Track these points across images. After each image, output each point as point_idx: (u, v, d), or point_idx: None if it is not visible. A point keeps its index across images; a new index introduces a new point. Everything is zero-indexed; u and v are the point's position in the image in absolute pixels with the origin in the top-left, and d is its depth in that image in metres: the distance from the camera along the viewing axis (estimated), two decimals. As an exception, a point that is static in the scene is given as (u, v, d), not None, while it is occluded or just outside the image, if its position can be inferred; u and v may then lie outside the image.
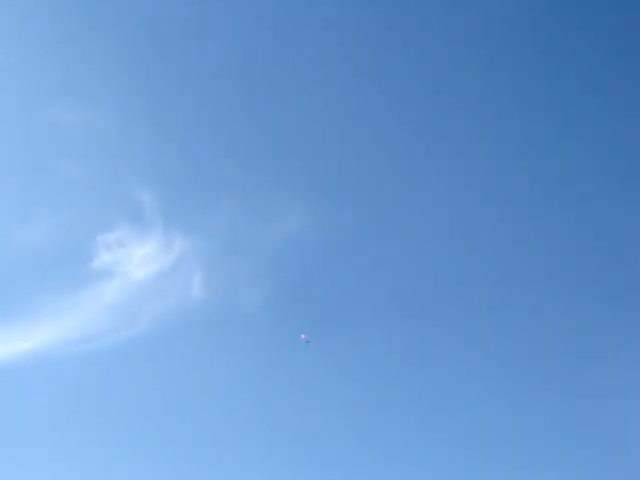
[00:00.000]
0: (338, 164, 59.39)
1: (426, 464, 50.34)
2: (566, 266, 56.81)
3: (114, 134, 56.99)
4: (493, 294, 56.81)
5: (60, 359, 51.85)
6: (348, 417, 52.84)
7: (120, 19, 57.79)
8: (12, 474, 49.53)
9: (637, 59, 58.49)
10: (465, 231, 58.09)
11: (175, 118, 59.04)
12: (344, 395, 53.86)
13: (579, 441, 50.60)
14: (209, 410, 53.27)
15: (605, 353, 53.27)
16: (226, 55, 59.16)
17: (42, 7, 57.62)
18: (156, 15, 58.09)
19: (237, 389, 53.58)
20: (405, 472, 49.64)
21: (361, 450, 51.47)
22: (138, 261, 54.63)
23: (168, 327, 53.64)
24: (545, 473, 48.72)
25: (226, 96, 59.19)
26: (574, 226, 57.97)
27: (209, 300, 54.71)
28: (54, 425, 52.23)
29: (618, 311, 54.59)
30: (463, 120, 59.42)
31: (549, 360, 54.01)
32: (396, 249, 57.98)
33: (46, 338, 51.26)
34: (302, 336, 48.19)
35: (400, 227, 58.62)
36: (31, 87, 57.13)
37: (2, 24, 57.05)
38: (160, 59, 58.65)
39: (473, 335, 55.23)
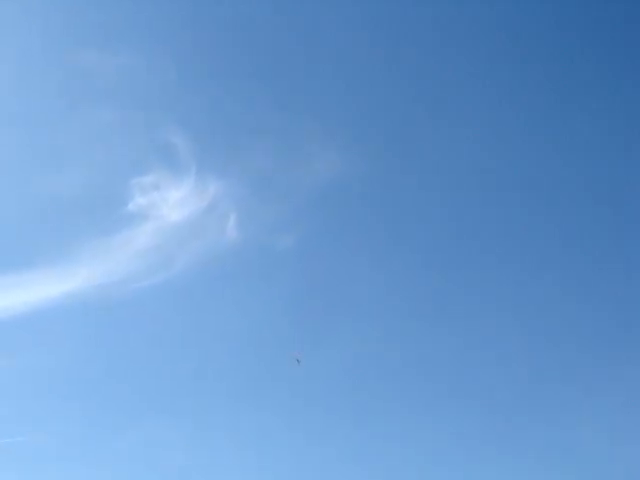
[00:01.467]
0: (373, 112, 59.37)
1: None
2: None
3: (147, 79, 57.48)
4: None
5: (97, 301, 53.24)
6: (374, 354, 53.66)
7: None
8: (49, 410, 51.00)
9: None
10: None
11: (209, 63, 59.30)
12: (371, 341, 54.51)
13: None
14: (241, 349, 54.30)
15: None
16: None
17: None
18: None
19: (269, 330, 54.56)
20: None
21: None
22: (173, 204, 55.28)
23: (202, 269, 54.65)
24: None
25: (260, 41, 59.03)
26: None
27: (242, 243, 55.48)
28: (91, 366, 53.62)
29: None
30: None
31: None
32: (429, 197, 58.20)
33: (83, 281, 52.65)
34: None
35: (433, 175, 58.61)
36: (64, 32, 57.53)
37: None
38: (194, 6, 58.56)
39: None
